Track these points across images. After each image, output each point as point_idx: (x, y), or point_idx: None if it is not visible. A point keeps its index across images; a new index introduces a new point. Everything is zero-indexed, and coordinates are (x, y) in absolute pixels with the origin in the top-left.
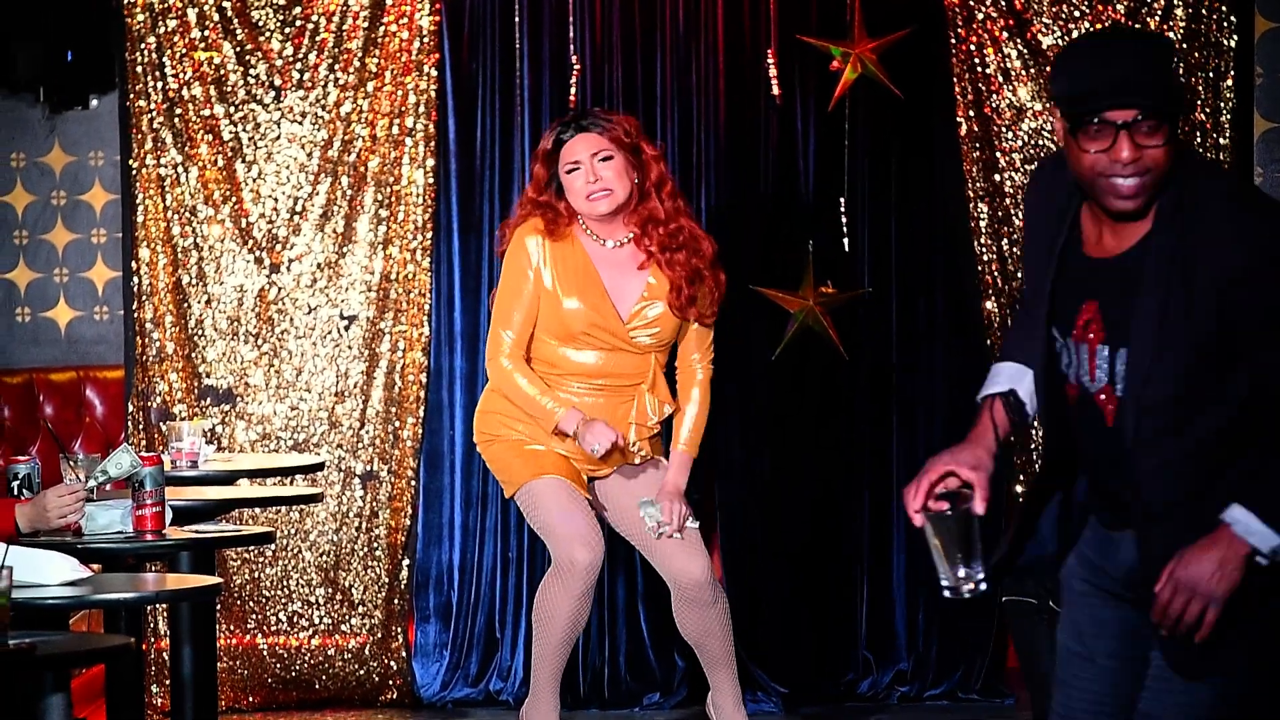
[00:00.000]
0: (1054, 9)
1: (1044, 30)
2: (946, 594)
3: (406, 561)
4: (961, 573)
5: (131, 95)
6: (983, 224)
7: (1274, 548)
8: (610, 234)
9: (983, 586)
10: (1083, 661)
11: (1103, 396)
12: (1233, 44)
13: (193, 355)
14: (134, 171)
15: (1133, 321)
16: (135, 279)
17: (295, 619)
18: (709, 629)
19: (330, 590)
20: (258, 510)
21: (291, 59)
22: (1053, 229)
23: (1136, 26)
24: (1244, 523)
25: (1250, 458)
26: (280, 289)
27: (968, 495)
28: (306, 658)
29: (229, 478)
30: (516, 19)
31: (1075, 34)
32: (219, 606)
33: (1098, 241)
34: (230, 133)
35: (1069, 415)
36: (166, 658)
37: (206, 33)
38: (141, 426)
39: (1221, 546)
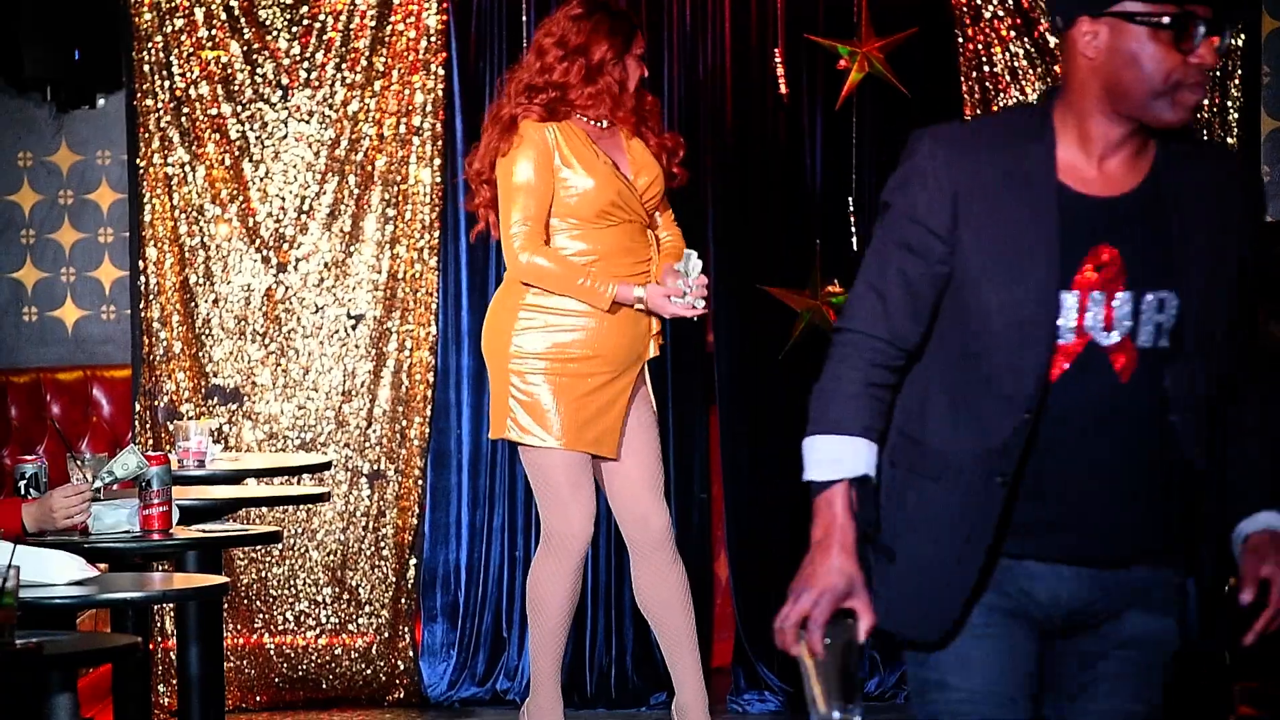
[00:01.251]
0: None
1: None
2: None
3: (414, 561)
4: (838, 716)
5: (139, 94)
6: None
7: None
8: (600, 116)
9: None
10: (1007, 704)
11: (1118, 350)
12: (1240, 43)
13: (200, 354)
14: (141, 171)
15: (1176, 262)
16: (142, 278)
17: (302, 618)
18: (668, 597)
19: (337, 590)
20: (265, 509)
21: (299, 58)
22: (1022, 185)
23: None
24: None
25: (1244, 443)
26: (287, 288)
27: (850, 626)
28: (313, 657)
29: (236, 477)
30: (524, 18)
31: None
32: (226, 606)
33: (1094, 178)
34: (237, 132)
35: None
36: (173, 657)
37: (214, 32)
38: (149, 426)
39: None
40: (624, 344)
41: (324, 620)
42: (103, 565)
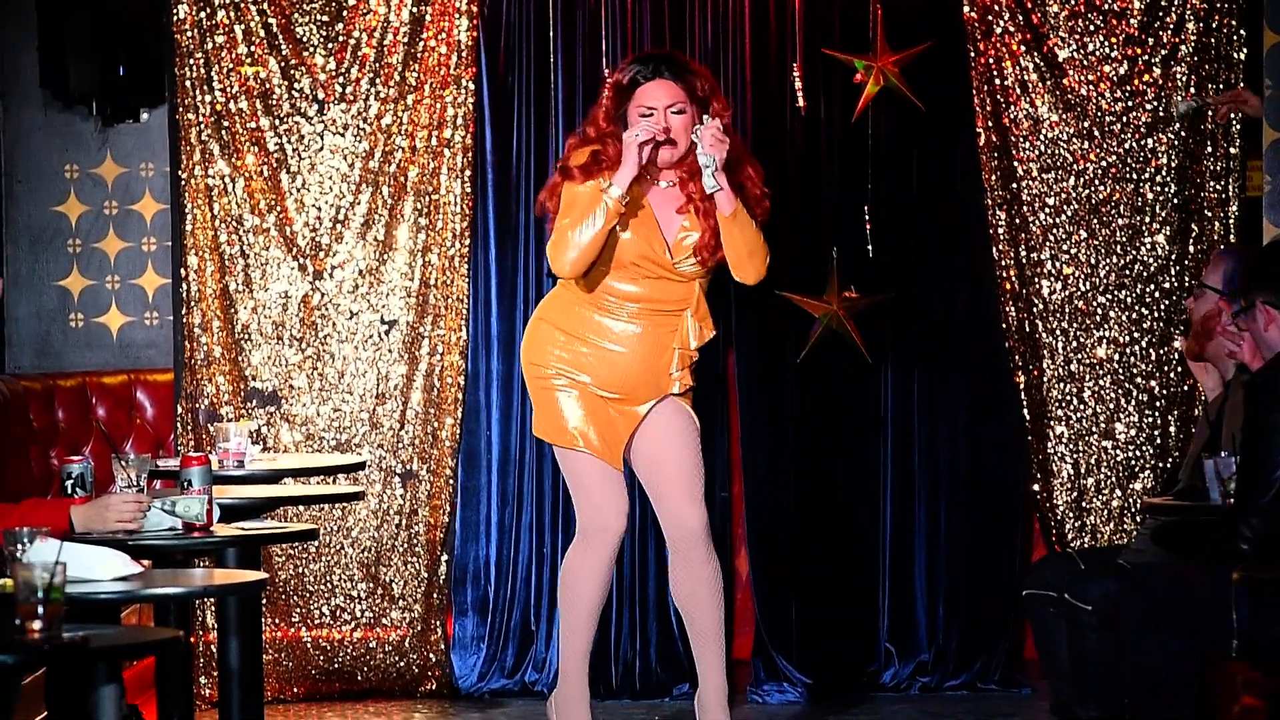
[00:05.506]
0: (1070, 23)
1: (1060, 44)
2: None
3: (445, 557)
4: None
5: (181, 108)
6: (1001, 231)
7: None
8: (665, 175)
9: None
10: None
11: None
12: (1242, 57)
13: (239, 359)
14: (183, 182)
15: None
16: (184, 285)
17: (338, 613)
18: (698, 593)
19: (371, 585)
20: (301, 508)
21: (334, 73)
22: None
23: (1150, 41)
24: None
25: None
26: (323, 295)
27: None
28: (349, 650)
29: (274, 477)
30: (551, 33)
31: (1090, 47)
32: (265, 600)
33: None
34: (275, 144)
35: None
36: (214, 650)
37: (253, 48)
38: (190, 428)
39: None
40: (635, 377)
41: (359, 614)
42: (146, 562)
